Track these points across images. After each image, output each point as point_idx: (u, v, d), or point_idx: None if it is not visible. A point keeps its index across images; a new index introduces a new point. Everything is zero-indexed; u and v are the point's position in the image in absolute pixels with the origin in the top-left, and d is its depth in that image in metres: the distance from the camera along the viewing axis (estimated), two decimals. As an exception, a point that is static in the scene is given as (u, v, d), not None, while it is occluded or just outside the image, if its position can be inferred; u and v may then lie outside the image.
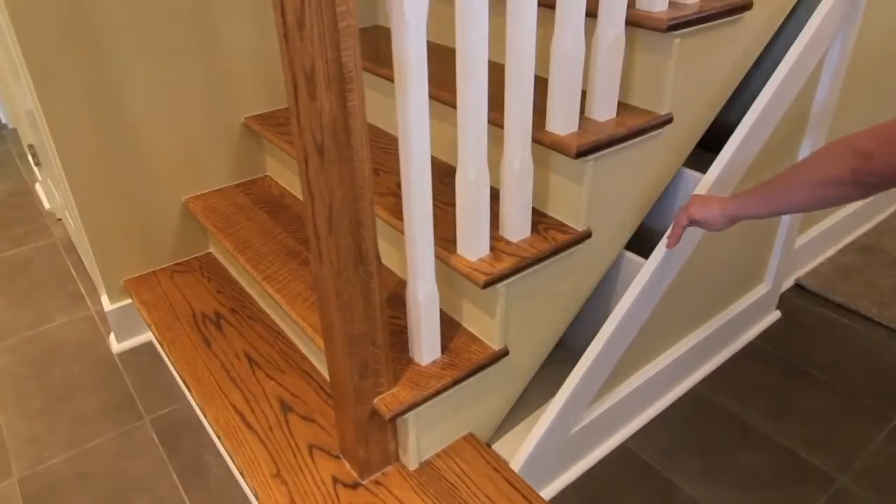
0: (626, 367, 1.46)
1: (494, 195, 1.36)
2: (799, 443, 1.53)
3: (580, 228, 1.28)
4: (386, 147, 1.63)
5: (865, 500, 1.39)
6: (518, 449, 1.34)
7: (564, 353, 1.67)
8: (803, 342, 1.82)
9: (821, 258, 2.14)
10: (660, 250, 1.32)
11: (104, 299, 1.82)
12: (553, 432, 1.33)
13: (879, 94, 2.04)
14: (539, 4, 1.22)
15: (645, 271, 1.33)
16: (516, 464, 1.30)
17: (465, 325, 1.32)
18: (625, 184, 1.32)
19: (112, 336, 1.85)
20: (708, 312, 1.64)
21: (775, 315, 1.90)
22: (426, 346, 1.21)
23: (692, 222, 1.18)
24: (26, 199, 2.66)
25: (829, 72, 1.52)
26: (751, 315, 1.80)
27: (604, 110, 1.25)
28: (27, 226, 2.47)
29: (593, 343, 1.33)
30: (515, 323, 1.27)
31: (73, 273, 2.20)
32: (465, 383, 1.23)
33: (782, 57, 1.60)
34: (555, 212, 1.31)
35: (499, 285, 1.19)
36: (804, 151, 1.61)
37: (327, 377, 1.49)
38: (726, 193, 1.39)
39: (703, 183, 1.34)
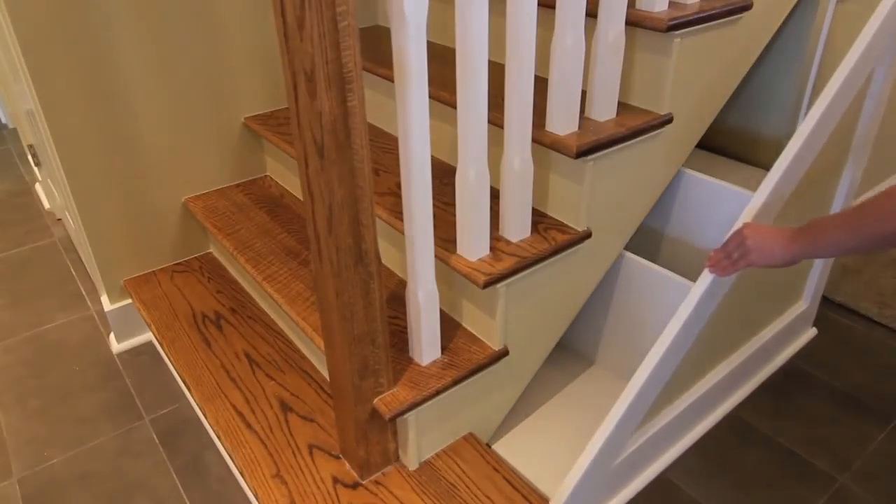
0: (666, 396, 1.40)
1: (494, 195, 1.36)
2: (799, 443, 1.53)
3: (580, 228, 1.28)
4: (386, 147, 1.63)
5: (865, 500, 1.39)
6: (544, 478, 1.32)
7: (564, 353, 1.67)
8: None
9: (821, 258, 2.14)
10: (707, 275, 1.25)
11: (104, 299, 1.82)
12: (597, 465, 1.25)
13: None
14: (539, 4, 1.21)
15: (693, 295, 1.25)
16: (558, 501, 1.22)
17: (465, 325, 1.32)
18: (625, 184, 1.32)
19: (112, 336, 1.85)
20: (747, 334, 1.57)
21: (812, 332, 1.83)
22: (426, 346, 1.21)
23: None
24: (26, 199, 2.66)
25: (875, 90, 1.44)
26: (788, 334, 1.73)
27: (604, 110, 1.25)
28: (27, 226, 2.47)
29: (639, 372, 1.25)
30: (515, 323, 1.27)
31: (73, 273, 2.20)
32: (465, 383, 1.23)
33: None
34: (555, 212, 1.31)
35: (499, 285, 1.19)
36: (846, 176, 1.54)
37: (327, 377, 1.49)
38: (771, 217, 1.32)
39: (751, 208, 1.27)
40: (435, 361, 1.23)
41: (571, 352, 1.67)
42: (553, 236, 1.26)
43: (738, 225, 1.22)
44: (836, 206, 1.58)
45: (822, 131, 1.33)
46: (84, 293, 2.10)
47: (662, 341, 1.26)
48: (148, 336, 1.89)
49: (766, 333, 1.63)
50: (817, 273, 1.69)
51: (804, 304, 1.73)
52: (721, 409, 1.60)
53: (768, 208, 1.30)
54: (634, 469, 1.40)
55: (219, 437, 1.37)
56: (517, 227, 1.24)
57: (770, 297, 1.58)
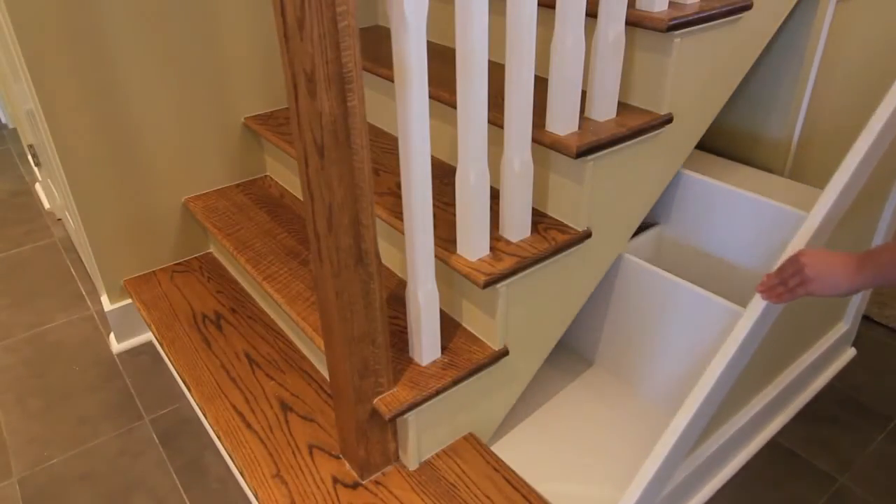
0: (708, 429, 1.34)
1: (494, 195, 1.36)
2: (799, 443, 1.53)
3: (580, 228, 1.28)
4: (386, 147, 1.63)
5: (865, 500, 1.39)
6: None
7: (564, 353, 1.67)
8: (803, 342, 1.82)
9: (821, 258, 2.13)
10: (759, 301, 1.18)
11: (104, 299, 1.82)
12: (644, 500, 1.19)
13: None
14: (539, 4, 1.22)
15: (744, 324, 1.18)
16: None
17: (465, 325, 1.32)
18: (625, 184, 1.32)
19: (112, 336, 1.85)
20: (790, 358, 1.53)
21: (851, 353, 1.78)
22: (426, 346, 1.21)
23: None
24: (26, 199, 2.66)
25: None
26: (828, 356, 1.67)
27: (604, 110, 1.25)
28: (27, 226, 2.47)
29: (687, 402, 1.19)
30: (515, 323, 1.27)
31: (73, 273, 2.20)
32: (465, 383, 1.23)
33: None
34: (555, 212, 1.31)
35: (499, 285, 1.19)
36: (893, 197, 1.50)
37: (327, 377, 1.49)
38: (824, 239, 1.26)
39: (806, 230, 1.20)
40: (435, 361, 1.23)
41: (571, 352, 1.67)
42: (553, 236, 1.26)
43: (790, 249, 1.15)
44: (882, 229, 1.54)
45: (880, 145, 1.26)
46: (84, 293, 2.10)
47: (711, 373, 1.18)
48: (148, 336, 1.89)
49: (808, 356, 1.58)
50: (861, 293, 1.64)
51: (845, 325, 1.69)
52: (760, 437, 1.53)
53: (822, 231, 1.23)
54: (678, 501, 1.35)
55: (219, 437, 1.37)
56: (517, 227, 1.24)
57: (814, 320, 1.54)
